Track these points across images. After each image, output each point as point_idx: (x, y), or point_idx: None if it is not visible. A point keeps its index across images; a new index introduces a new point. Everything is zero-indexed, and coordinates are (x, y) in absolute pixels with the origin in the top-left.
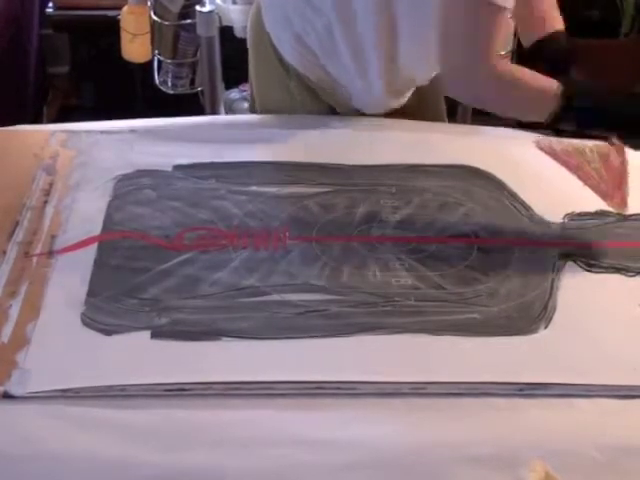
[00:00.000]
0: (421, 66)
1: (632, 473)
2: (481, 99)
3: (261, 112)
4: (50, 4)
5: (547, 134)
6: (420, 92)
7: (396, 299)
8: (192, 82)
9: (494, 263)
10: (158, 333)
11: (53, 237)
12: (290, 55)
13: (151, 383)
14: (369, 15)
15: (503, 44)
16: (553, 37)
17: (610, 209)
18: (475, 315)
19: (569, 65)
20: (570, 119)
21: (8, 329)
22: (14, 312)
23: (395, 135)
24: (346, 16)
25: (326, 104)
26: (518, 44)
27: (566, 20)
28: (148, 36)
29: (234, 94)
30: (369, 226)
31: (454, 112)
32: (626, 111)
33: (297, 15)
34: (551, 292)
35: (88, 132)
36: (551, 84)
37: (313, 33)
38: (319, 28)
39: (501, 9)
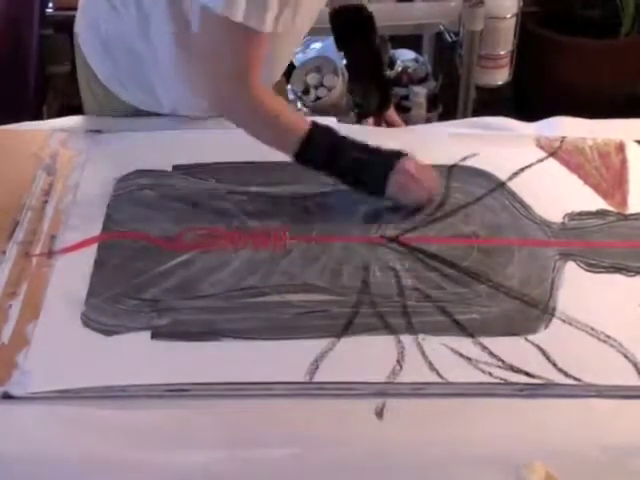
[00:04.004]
0: None
1: (633, 473)
2: (234, 119)
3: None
4: (50, 4)
5: None
6: None
7: (396, 299)
8: None
9: (494, 263)
10: (158, 333)
11: (53, 237)
12: (94, 62)
13: (151, 383)
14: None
15: (261, 66)
16: (348, 8)
17: (610, 208)
18: (475, 315)
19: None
20: (309, 163)
21: (8, 329)
22: (14, 312)
23: (395, 135)
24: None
25: (131, 107)
26: (518, 44)
27: (566, 20)
28: None
29: None
30: (369, 226)
31: (454, 112)
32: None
33: (103, 20)
34: (551, 292)
35: (88, 132)
36: (297, 126)
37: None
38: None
39: (257, 33)
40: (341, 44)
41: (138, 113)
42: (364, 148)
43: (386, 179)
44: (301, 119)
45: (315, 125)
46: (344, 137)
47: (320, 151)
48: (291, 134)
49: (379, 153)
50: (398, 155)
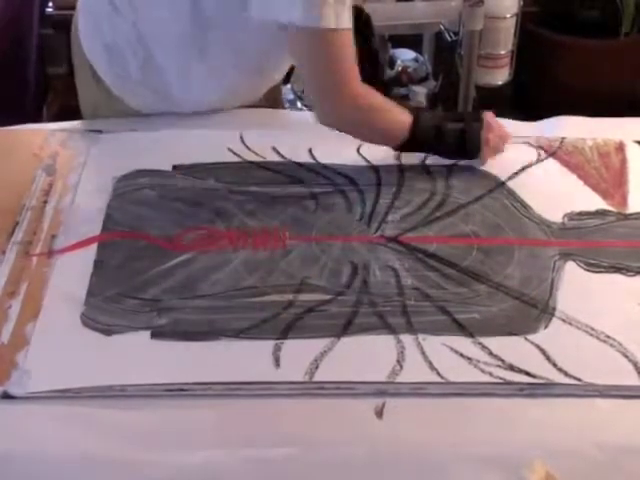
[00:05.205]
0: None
1: (632, 473)
2: (342, 124)
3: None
4: (50, 4)
5: None
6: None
7: (396, 299)
8: None
9: (494, 263)
10: (158, 333)
11: (53, 237)
12: (99, 65)
13: (151, 383)
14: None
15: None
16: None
17: (610, 208)
18: (475, 315)
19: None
20: (416, 148)
21: (8, 329)
22: (14, 312)
23: None
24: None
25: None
26: (518, 44)
27: (566, 20)
28: None
29: None
30: (369, 226)
31: (454, 110)
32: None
33: (107, 23)
34: (551, 292)
35: (88, 131)
36: (403, 116)
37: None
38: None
39: (340, 31)
40: None
41: (136, 114)
42: (455, 117)
43: (481, 141)
44: (401, 108)
45: (415, 112)
46: (440, 114)
47: (427, 135)
48: (400, 127)
49: (464, 118)
50: (478, 114)
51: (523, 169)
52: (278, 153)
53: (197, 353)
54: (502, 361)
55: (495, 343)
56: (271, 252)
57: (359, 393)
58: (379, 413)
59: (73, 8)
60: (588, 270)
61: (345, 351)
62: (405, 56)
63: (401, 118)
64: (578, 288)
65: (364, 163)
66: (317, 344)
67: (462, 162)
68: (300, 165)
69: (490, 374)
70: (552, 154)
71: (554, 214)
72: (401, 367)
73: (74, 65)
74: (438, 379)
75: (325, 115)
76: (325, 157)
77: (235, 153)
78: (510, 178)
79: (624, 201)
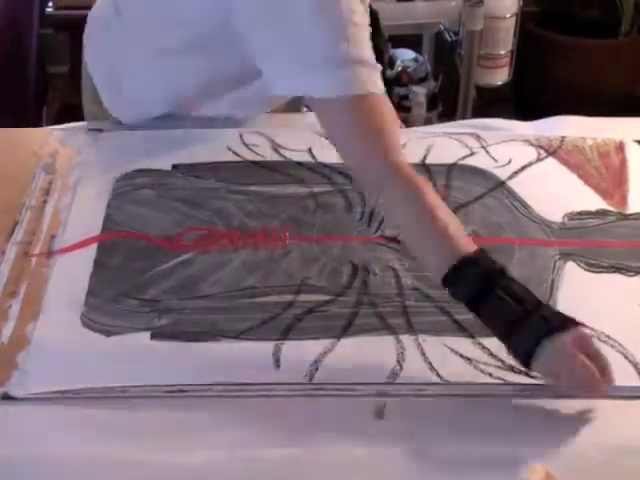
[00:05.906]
0: None
1: (632, 473)
2: (381, 192)
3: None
4: (50, 4)
5: None
6: None
7: (396, 299)
8: None
9: None
10: (158, 334)
11: (53, 237)
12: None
13: (151, 384)
14: None
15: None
16: None
17: (610, 208)
18: None
19: None
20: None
21: (8, 329)
22: (14, 312)
23: None
24: None
25: None
26: (518, 44)
27: (566, 20)
28: None
29: None
30: (369, 226)
31: (454, 111)
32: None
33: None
34: (551, 292)
35: (87, 131)
36: (457, 234)
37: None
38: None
39: (377, 95)
40: None
41: None
42: (524, 297)
43: (537, 345)
44: (454, 228)
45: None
46: (501, 271)
47: (468, 284)
48: (445, 248)
49: (539, 307)
50: (567, 321)
51: (523, 168)
52: (278, 152)
53: (197, 354)
54: (502, 362)
55: (495, 343)
56: (271, 252)
57: (359, 394)
58: (379, 413)
59: (73, 8)
60: (588, 270)
61: (345, 352)
62: (405, 56)
63: (450, 236)
64: (578, 288)
65: None
66: (317, 345)
67: (462, 162)
68: (300, 164)
69: (490, 375)
70: (552, 153)
71: (554, 214)
72: (401, 368)
73: (82, 76)
74: (438, 379)
75: (367, 186)
76: (325, 156)
77: (235, 152)
78: (510, 178)
79: (624, 201)
